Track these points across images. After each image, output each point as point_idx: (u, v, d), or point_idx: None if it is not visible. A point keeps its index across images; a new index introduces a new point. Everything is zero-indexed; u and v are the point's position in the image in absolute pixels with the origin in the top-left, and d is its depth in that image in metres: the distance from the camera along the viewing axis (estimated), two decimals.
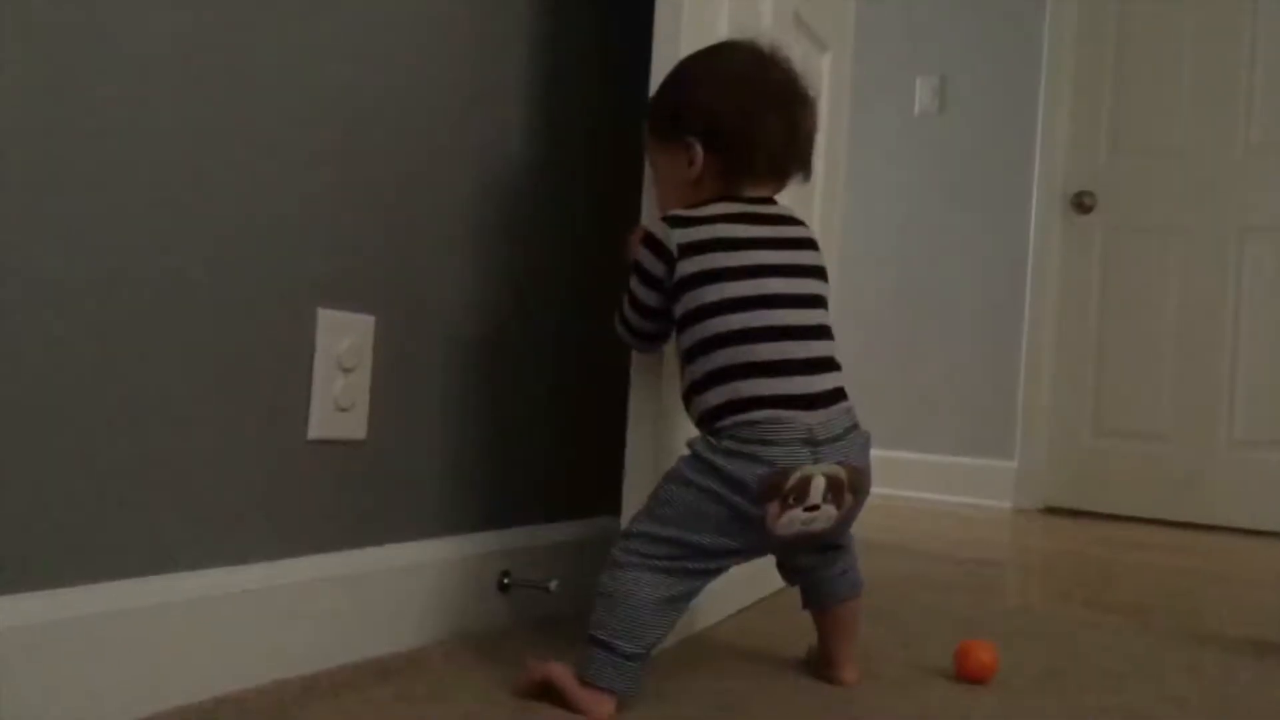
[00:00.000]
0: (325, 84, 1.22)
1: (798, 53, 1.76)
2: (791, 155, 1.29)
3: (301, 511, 1.22)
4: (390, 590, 1.31)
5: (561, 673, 1.15)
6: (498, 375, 1.51)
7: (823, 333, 1.23)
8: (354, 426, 1.28)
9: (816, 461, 1.14)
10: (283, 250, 1.18)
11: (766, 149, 1.26)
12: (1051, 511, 3.80)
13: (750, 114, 1.25)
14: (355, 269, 1.27)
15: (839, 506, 1.18)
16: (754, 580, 1.36)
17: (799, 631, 1.38)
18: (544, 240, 1.57)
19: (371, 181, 1.29)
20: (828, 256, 2.04)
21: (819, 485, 1.15)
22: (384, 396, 1.32)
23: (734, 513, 1.14)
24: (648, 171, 1.40)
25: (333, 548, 1.26)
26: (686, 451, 1.19)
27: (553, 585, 1.44)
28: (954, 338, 3.96)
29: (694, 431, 1.23)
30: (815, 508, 1.15)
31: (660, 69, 1.38)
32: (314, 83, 1.20)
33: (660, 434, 1.40)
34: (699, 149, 1.26)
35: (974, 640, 1.39)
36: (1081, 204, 3.82)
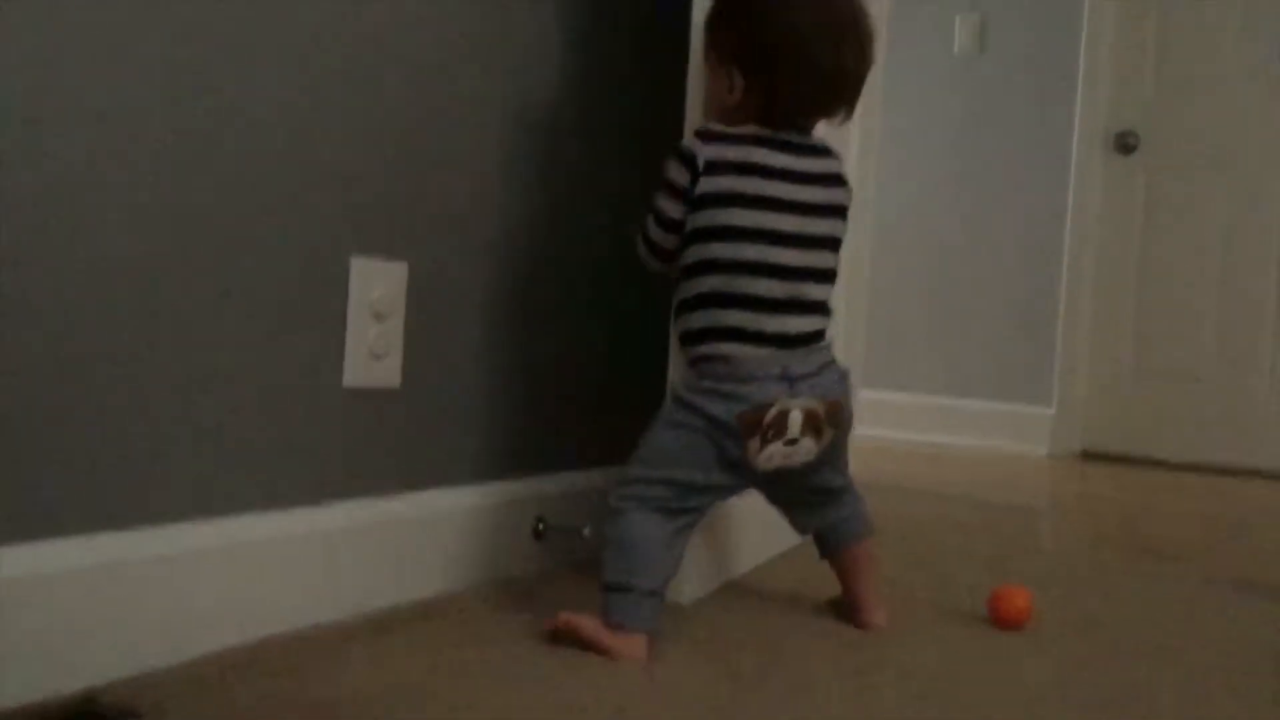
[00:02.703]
0: (356, 32, 1.21)
1: None
2: (837, 97, 1.26)
3: (338, 458, 1.23)
4: (426, 536, 1.32)
5: (586, 623, 1.16)
6: (531, 321, 1.51)
7: (822, 276, 1.24)
8: (389, 374, 1.29)
9: (793, 396, 1.18)
10: (315, 198, 1.18)
11: (811, 92, 1.24)
12: (1089, 457, 3.77)
13: (802, 54, 1.21)
14: (388, 216, 1.27)
15: (817, 440, 1.21)
16: (769, 535, 1.38)
17: (822, 578, 1.38)
18: (575, 185, 1.56)
19: (403, 128, 1.28)
20: (861, 198, 2.03)
21: (796, 419, 1.18)
22: (418, 344, 1.32)
23: (719, 450, 1.18)
24: (689, 94, 1.36)
25: (369, 494, 1.27)
26: (669, 396, 1.25)
27: (586, 531, 1.45)
28: (992, 281, 3.92)
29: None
30: (794, 441, 1.19)
31: None
32: (344, 31, 1.20)
33: None
34: (740, 80, 1.24)
35: (1008, 585, 1.39)
36: (1125, 144, 3.74)
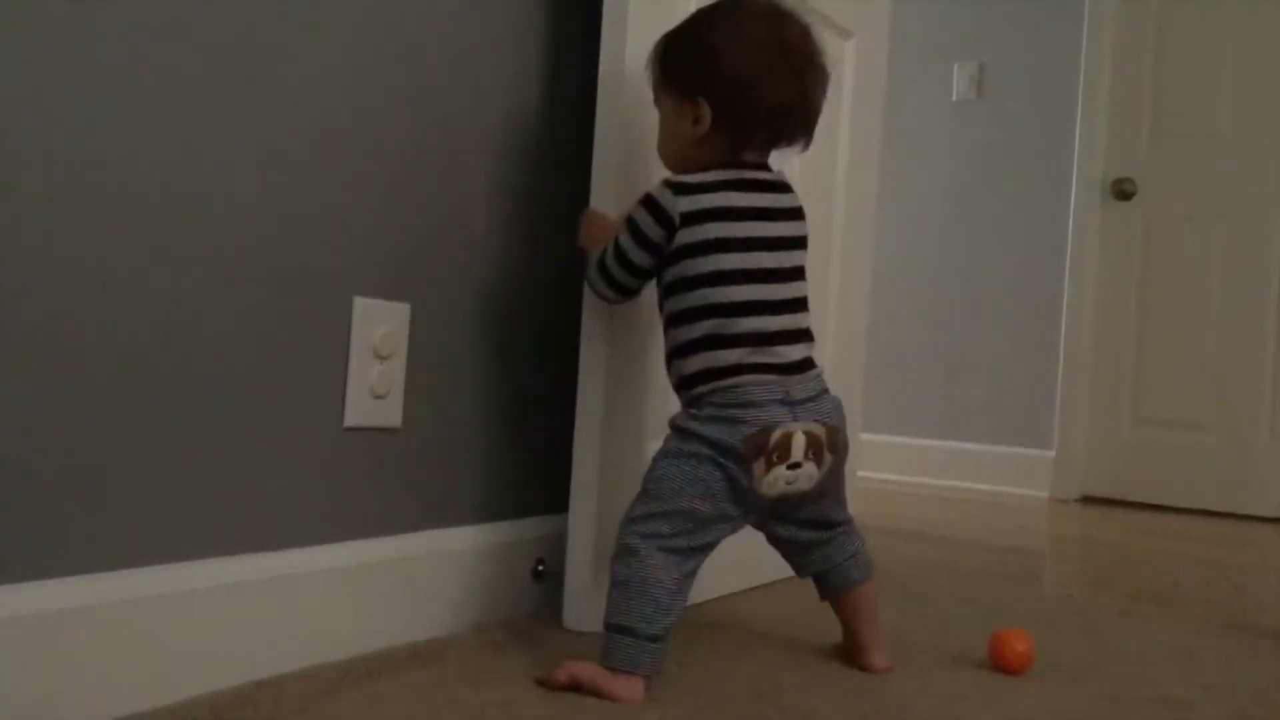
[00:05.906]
0: (357, 77, 1.23)
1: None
2: (797, 125, 1.29)
3: (338, 498, 1.23)
4: (425, 577, 1.32)
5: (584, 667, 1.16)
6: (532, 362, 1.51)
7: (801, 305, 1.27)
8: (389, 414, 1.29)
9: (795, 419, 1.19)
10: (318, 239, 1.19)
11: (774, 120, 1.27)
12: (1089, 501, 3.76)
13: (764, 84, 1.24)
14: (391, 257, 1.28)
15: (819, 464, 1.22)
16: (764, 562, 1.37)
17: (824, 615, 1.38)
18: (570, 231, 1.57)
19: (405, 170, 1.29)
20: (860, 244, 2.04)
21: (799, 442, 1.19)
22: (419, 384, 1.33)
23: (725, 475, 1.18)
24: (596, 156, 1.41)
25: (368, 534, 1.27)
26: (669, 431, 1.24)
27: None
28: (992, 327, 3.93)
29: (672, 401, 1.29)
30: (797, 465, 1.19)
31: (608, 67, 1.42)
32: (345, 76, 1.21)
33: (609, 425, 1.44)
34: (708, 112, 1.25)
35: (1009, 629, 1.38)
36: (1122, 191, 3.77)
